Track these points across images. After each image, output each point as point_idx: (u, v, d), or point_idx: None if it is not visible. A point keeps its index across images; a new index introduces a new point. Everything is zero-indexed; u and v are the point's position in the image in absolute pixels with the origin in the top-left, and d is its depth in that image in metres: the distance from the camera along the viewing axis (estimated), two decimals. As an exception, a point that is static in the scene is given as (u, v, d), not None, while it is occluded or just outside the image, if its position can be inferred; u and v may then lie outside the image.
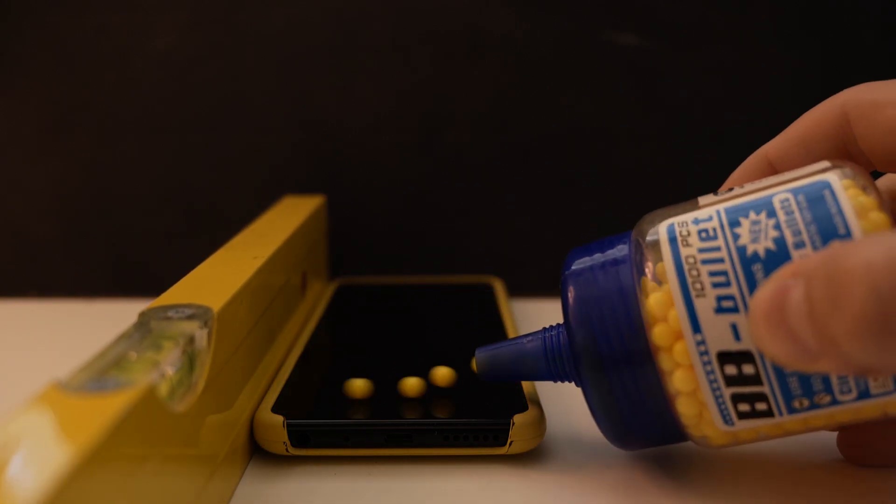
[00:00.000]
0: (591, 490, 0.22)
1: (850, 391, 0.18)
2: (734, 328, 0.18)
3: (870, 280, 0.14)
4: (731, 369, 0.18)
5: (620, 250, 0.21)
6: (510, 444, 0.23)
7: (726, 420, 0.19)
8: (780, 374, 0.18)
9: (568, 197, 0.42)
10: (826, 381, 0.18)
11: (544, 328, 0.23)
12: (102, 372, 0.17)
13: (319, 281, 0.38)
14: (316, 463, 0.23)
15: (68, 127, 0.42)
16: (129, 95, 0.41)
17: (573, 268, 0.21)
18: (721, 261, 0.18)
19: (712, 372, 0.18)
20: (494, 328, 0.32)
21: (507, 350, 0.23)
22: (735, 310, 0.18)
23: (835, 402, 0.18)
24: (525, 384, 0.25)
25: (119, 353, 0.18)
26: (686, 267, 0.19)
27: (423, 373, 0.25)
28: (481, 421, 0.23)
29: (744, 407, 0.19)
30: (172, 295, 0.22)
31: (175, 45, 0.41)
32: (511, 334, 0.31)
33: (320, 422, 0.23)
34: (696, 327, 0.18)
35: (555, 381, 0.22)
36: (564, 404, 0.27)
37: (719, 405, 0.19)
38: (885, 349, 0.15)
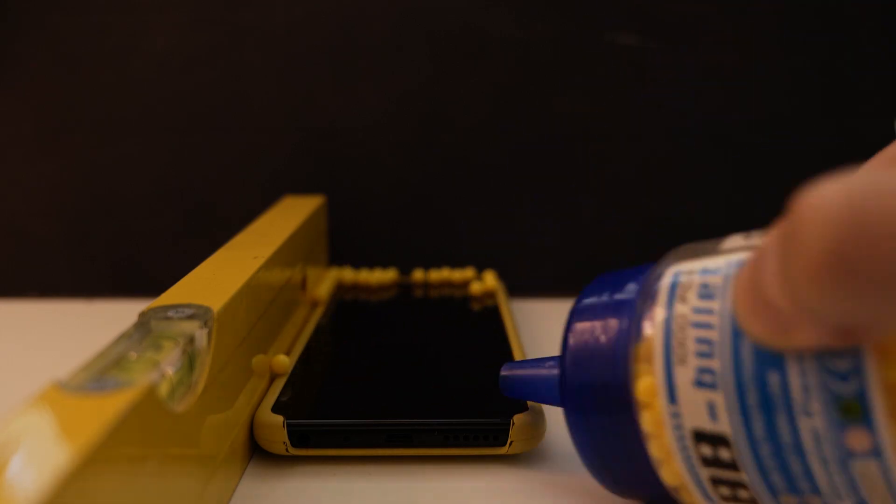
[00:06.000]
0: (591, 490, 0.21)
1: (841, 499, 0.15)
2: (711, 407, 0.16)
3: (821, 218, 0.13)
4: (706, 449, 0.16)
5: (629, 292, 0.19)
6: (510, 444, 0.23)
7: (709, 500, 0.17)
8: (761, 466, 0.15)
9: (568, 197, 0.42)
10: (810, 478, 0.15)
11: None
12: (102, 372, 0.17)
13: (319, 281, 0.38)
14: (316, 463, 0.23)
15: (68, 127, 0.42)
16: (129, 95, 0.41)
17: (579, 304, 0.20)
18: (710, 326, 0.16)
19: (686, 449, 0.16)
20: (494, 328, 0.32)
21: (528, 373, 0.22)
22: (713, 386, 0.16)
23: None
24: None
25: (119, 353, 0.18)
26: (674, 327, 0.17)
27: (424, 371, 0.25)
28: (481, 421, 0.23)
29: (725, 491, 0.16)
30: (172, 295, 0.22)
31: (175, 45, 0.41)
32: (511, 334, 0.31)
33: (320, 422, 0.23)
34: (672, 397, 0.16)
35: None
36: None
37: (698, 484, 0.17)
38: (846, 293, 0.13)
